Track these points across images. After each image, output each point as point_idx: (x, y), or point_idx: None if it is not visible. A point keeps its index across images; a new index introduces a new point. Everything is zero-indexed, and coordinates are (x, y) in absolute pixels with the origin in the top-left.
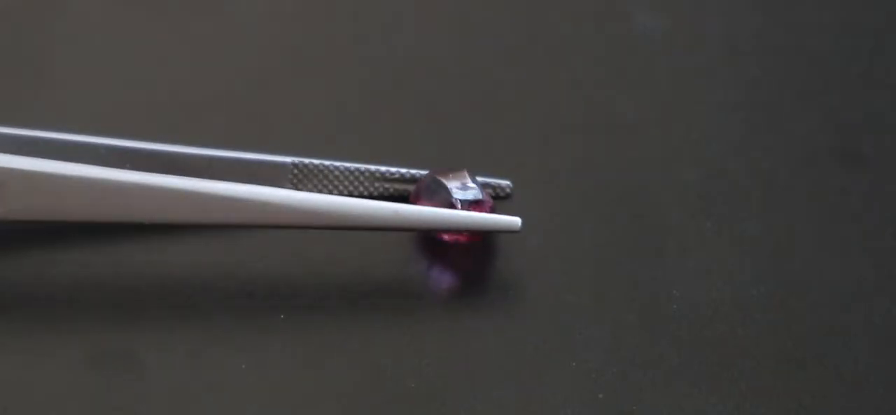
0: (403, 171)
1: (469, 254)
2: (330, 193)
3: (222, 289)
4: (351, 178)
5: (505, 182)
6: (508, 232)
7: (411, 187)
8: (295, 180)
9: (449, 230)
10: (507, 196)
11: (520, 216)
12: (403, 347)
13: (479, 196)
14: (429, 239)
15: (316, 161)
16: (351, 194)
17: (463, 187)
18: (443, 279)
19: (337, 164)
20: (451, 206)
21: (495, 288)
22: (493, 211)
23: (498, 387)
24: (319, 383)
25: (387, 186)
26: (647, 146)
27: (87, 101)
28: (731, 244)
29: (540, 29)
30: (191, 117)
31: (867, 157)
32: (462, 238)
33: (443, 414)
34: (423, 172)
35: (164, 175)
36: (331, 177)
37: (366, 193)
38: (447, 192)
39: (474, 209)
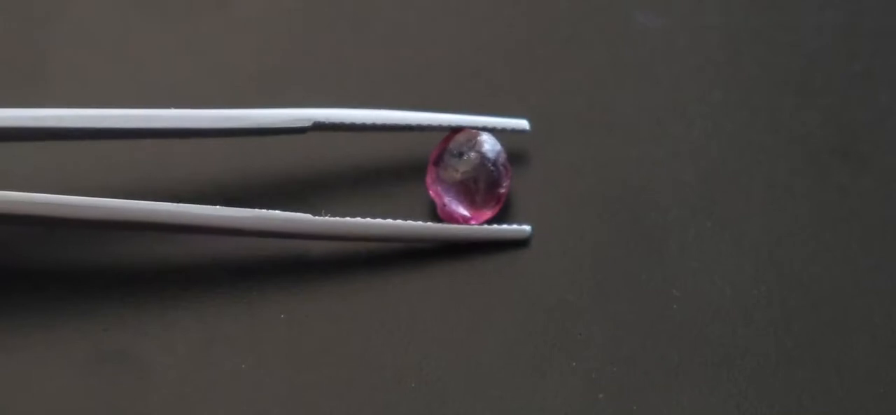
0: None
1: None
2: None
3: (222, 289)
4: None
5: (525, 227)
6: (517, 131)
7: None
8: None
9: (457, 125)
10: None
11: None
12: (404, 346)
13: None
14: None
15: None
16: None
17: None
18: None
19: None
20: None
21: (495, 288)
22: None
23: (498, 387)
24: (320, 383)
25: None
26: (647, 146)
27: (87, 102)
28: (731, 244)
29: (539, 27)
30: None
31: (867, 157)
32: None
33: (443, 414)
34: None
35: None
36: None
37: None
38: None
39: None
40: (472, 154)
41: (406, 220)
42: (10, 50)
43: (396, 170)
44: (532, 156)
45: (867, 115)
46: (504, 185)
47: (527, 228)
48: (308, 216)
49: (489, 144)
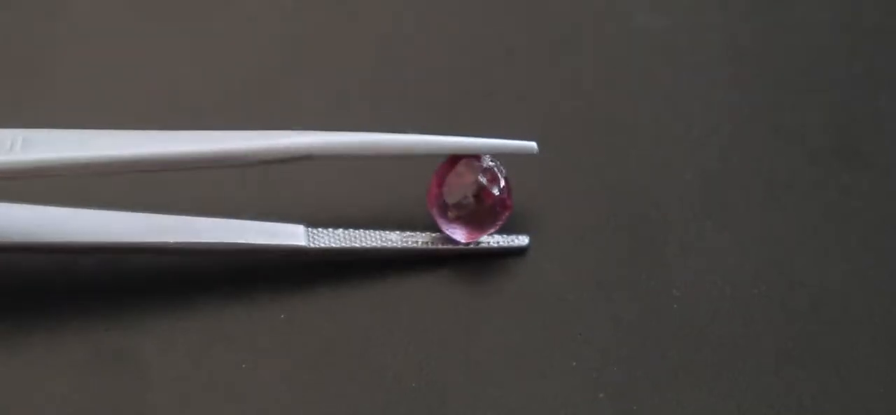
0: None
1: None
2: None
3: (222, 289)
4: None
5: (522, 238)
6: (524, 153)
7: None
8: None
9: (466, 151)
10: (523, 250)
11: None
12: (404, 346)
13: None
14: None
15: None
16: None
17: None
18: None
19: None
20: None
21: (495, 288)
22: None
23: (498, 387)
24: (320, 384)
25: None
26: (647, 146)
27: (87, 102)
28: (731, 244)
29: (539, 27)
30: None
31: (867, 157)
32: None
33: (443, 414)
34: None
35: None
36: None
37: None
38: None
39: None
40: (473, 194)
41: (405, 226)
42: (9, 49)
43: (398, 177)
44: (531, 155)
45: (867, 115)
46: (504, 216)
47: (524, 240)
48: (303, 245)
49: (491, 179)
